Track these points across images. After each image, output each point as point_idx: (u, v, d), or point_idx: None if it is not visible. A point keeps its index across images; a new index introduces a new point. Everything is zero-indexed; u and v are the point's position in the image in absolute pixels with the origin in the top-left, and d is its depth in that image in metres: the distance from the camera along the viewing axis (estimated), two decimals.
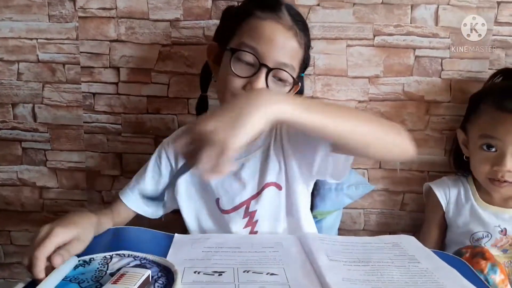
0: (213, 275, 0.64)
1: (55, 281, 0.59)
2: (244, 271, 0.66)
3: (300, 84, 0.86)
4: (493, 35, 1.13)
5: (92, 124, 1.21)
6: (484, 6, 1.12)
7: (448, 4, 1.12)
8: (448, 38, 1.13)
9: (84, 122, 1.20)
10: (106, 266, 0.65)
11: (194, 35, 1.14)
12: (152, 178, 0.94)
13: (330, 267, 0.67)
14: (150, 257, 0.68)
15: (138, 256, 0.68)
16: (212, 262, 0.68)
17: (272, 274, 0.65)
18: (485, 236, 1.00)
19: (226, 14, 0.94)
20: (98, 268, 0.64)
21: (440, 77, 1.16)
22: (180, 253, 0.71)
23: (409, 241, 0.80)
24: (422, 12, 1.12)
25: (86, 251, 0.68)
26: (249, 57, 0.78)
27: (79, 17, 1.14)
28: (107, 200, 1.25)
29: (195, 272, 0.64)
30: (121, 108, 1.19)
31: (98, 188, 1.25)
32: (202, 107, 1.04)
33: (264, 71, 0.78)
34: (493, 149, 0.94)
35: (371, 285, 0.62)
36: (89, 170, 1.24)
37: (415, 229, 1.19)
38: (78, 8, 1.14)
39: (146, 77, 1.17)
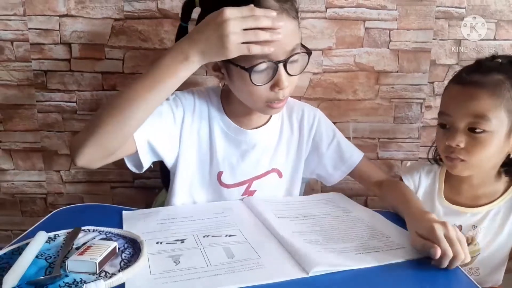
0: (176, 243, 0.67)
1: (30, 256, 0.60)
2: (204, 236, 0.70)
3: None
4: (437, 6, 1.19)
5: (46, 103, 1.18)
6: None
7: None
8: (396, 10, 1.18)
9: (37, 101, 1.17)
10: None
11: (147, 8, 1.13)
12: (165, 123, 0.86)
13: (279, 223, 0.75)
14: (115, 230, 0.70)
15: (103, 231, 0.70)
16: (170, 232, 0.72)
17: (230, 235, 0.71)
18: None
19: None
20: (63, 243, 0.65)
21: (388, 48, 1.21)
22: (135, 227, 0.73)
23: (339, 197, 0.94)
24: None
25: (49, 229, 0.69)
26: (263, 64, 0.76)
27: None
28: (66, 180, 1.24)
29: (157, 243, 0.67)
30: (75, 85, 1.17)
31: (56, 168, 1.24)
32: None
33: (281, 67, 0.77)
34: (446, 126, 0.89)
35: (317, 234, 0.72)
36: (46, 150, 1.22)
37: (368, 193, 1.27)
38: None
39: (100, 53, 1.15)
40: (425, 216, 0.72)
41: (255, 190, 0.94)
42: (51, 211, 0.83)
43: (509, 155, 0.90)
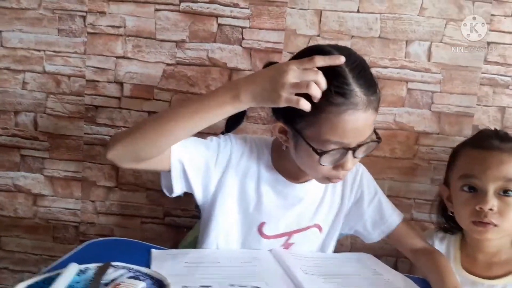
0: None
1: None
2: (229, 285, 0.69)
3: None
4: (482, 72, 1.19)
5: (92, 136, 1.23)
6: (475, 45, 1.17)
7: (441, 42, 1.17)
8: (440, 73, 1.19)
9: (84, 133, 1.23)
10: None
11: (198, 56, 1.19)
12: (206, 157, 0.86)
13: (307, 279, 0.74)
14: (143, 269, 0.70)
15: (133, 268, 0.70)
16: (196, 277, 0.72)
17: (256, 287, 0.69)
18: None
19: None
20: (92, 278, 0.66)
21: (430, 109, 1.21)
22: (163, 267, 0.73)
23: (369, 257, 0.93)
24: (416, 48, 1.18)
25: (80, 260, 0.70)
26: (335, 150, 0.76)
27: (88, 32, 1.18)
28: (100, 210, 1.27)
29: (183, 287, 0.67)
30: (122, 121, 1.23)
31: (92, 199, 1.27)
32: None
33: (350, 153, 0.77)
34: (474, 190, 0.89)
35: None
36: (85, 180, 1.26)
37: (399, 254, 1.22)
38: (88, 24, 1.18)
39: (149, 94, 1.21)
40: None
41: (293, 243, 0.93)
42: (81, 240, 0.85)
43: None
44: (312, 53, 0.75)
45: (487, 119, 1.21)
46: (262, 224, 0.91)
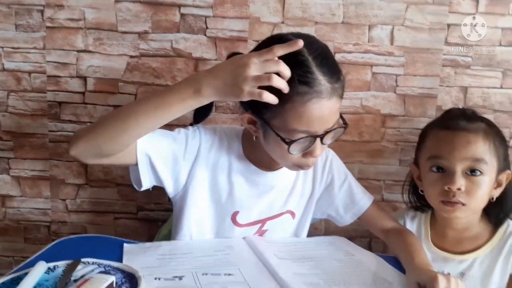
0: (174, 280, 0.67)
1: (28, 287, 0.60)
2: (202, 274, 0.70)
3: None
4: (444, 54, 1.22)
5: (58, 133, 1.21)
6: (435, 28, 1.20)
7: (403, 25, 1.20)
8: (403, 56, 1.21)
9: (49, 131, 1.20)
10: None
11: (162, 47, 1.17)
12: (174, 149, 0.85)
13: (280, 264, 0.75)
14: (114, 264, 0.70)
15: (103, 264, 0.70)
16: (169, 268, 0.72)
17: (229, 274, 0.70)
18: None
19: None
20: (61, 275, 0.65)
21: (395, 92, 1.23)
22: (135, 261, 0.73)
23: (341, 240, 0.95)
24: (379, 32, 1.20)
25: (49, 259, 0.69)
26: (303, 138, 0.77)
27: (47, 27, 1.15)
28: (71, 208, 1.25)
29: (155, 279, 0.67)
30: (87, 117, 1.20)
31: (62, 197, 1.25)
32: None
33: (318, 140, 0.78)
34: (442, 170, 0.91)
35: (318, 277, 0.72)
36: (53, 179, 1.23)
37: (372, 235, 1.25)
38: (46, 18, 1.14)
39: (114, 87, 1.19)
40: (429, 267, 0.71)
41: (267, 230, 0.94)
42: (53, 239, 0.84)
43: (491, 199, 0.92)
44: (274, 43, 0.75)
45: (449, 100, 1.24)
46: (235, 214, 0.91)
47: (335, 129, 0.79)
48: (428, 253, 0.95)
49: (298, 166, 0.83)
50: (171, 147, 0.85)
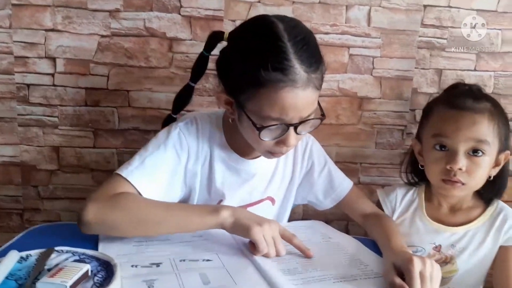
0: (151, 267, 0.66)
1: (0, 277, 0.58)
2: (180, 260, 0.69)
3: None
4: (419, 36, 1.22)
5: (27, 117, 1.16)
6: (412, 9, 1.20)
7: (380, 6, 1.19)
8: (379, 38, 1.21)
9: (18, 115, 1.16)
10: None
11: (134, 26, 1.13)
12: (172, 172, 0.86)
13: None
14: (89, 252, 0.68)
15: (77, 252, 0.68)
16: (146, 255, 0.71)
17: (207, 260, 0.70)
18: (418, 251, 0.97)
19: (200, 59, 0.90)
20: (35, 264, 0.64)
21: (371, 74, 1.23)
22: (111, 248, 0.72)
23: (319, 224, 0.96)
24: (356, 12, 1.19)
25: (22, 248, 0.67)
26: (276, 125, 0.76)
27: (12, 4, 1.09)
28: (43, 195, 1.22)
29: (132, 266, 0.66)
30: (57, 100, 1.16)
31: (34, 183, 1.21)
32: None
33: (292, 129, 0.77)
34: (445, 148, 0.90)
35: (295, 261, 0.72)
36: (24, 165, 1.19)
37: (349, 218, 1.27)
38: None
39: (85, 68, 1.15)
40: (405, 250, 0.73)
41: None
42: (27, 227, 0.82)
43: (489, 178, 0.94)
44: (257, 24, 0.74)
45: (425, 82, 1.25)
46: (219, 202, 0.91)
47: (310, 119, 0.78)
48: (422, 225, 0.98)
49: (270, 153, 0.83)
50: (173, 179, 0.86)
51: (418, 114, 1.26)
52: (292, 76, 0.71)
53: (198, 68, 0.90)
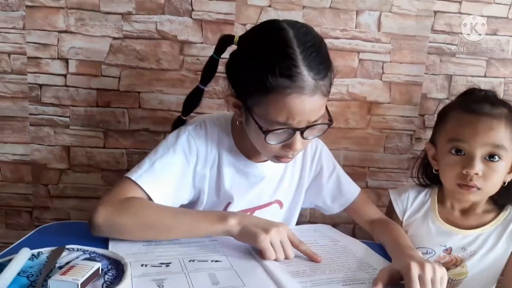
0: (161, 266, 0.67)
1: (12, 273, 0.59)
2: (189, 260, 0.69)
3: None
4: (430, 42, 1.22)
5: (39, 116, 1.18)
6: (422, 15, 1.20)
7: (390, 12, 1.19)
8: (389, 43, 1.21)
9: (30, 114, 1.17)
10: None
11: (146, 29, 1.15)
12: (181, 175, 0.87)
13: None
14: (100, 250, 0.69)
15: (88, 250, 0.69)
16: (156, 255, 0.71)
17: (216, 261, 0.70)
18: (428, 252, 0.97)
19: (210, 61, 0.89)
20: (46, 261, 0.64)
21: (381, 79, 1.23)
22: (121, 247, 0.72)
23: (326, 228, 0.95)
24: (366, 18, 1.19)
25: (33, 245, 0.68)
26: (282, 130, 0.76)
27: (26, 6, 1.11)
28: (53, 194, 1.23)
29: (142, 265, 0.67)
30: (69, 100, 1.17)
31: (44, 182, 1.22)
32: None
33: (298, 134, 0.77)
34: (462, 153, 0.90)
35: (304, 264, 0.72)
36: (35, 163, 1.21)
37: (356, 222, 1.27)
38: None
39: (96, 70, 1.16)
40: (408, 252, 0.72)
41: None
42: (36, 225, 0.82)
43: (503, 183, 0.93)
44: (267, 29, 0.74)
45: (434, 87, 1.25)
46: (227, 205, 0.92)
47: (317, 124, 0.78)
48: (433, 226, 0.98)
49: (277, 158, 0.83)
50: (183, 180, 0.87)
51: (427, 119, 1.26)
52: (300, 83, 0.72)
53: (208, 71, 0.90)
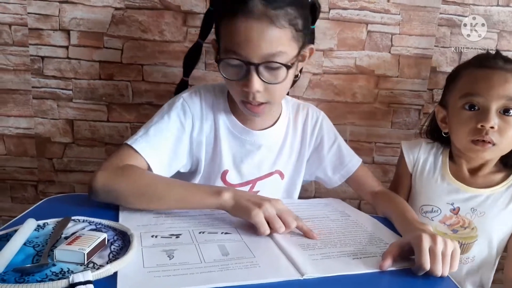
0: (171, 237, 0.66)
1: (19, 243, 0.59)
2: (199, 232, 0.69)
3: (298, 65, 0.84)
4: (440, 13, 1.19)
5: (41, 89, 1.16)
6: None
7: None
8: (399, 14, 1.18)
9: (32, 87, 1.16)
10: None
11: None
12: (176, 140, 0.87)
13: None
14: (105, 222, 0.68)
15: (93, 221, 0.68)
16: (166, 226, 0.71)
17: (226, 233, 0.70)
18: (434, 211, 0.97)
19: (206, 14, 0.93)
20: (52, 232, 0.64)
21: (389, 52, 1.21)
22: (131, 220, 0.72)
23: (337, 202, 0.94)
24: None
25: (39, 217, 0.68)
26: (234, 61, 0.76)
27: None
28: (58, 168, 1.22)
29: (152, 236, 0.66)
30: (71, 73, 1.15)
31: (48, 156, 1.22)
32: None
33: (253, 70, 0.76)
34: (476, 108, 0.88)
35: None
36: (39, 137, 1.20)
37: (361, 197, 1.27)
38: None
39: (98, 42, 1.14)
40: (418, 225, 0.71)
41: (258, 191, 0.94)
42: (41, 199, 0.82)
43: None
44: None
45: (444, 61, 1.22)
46: (225, 173, 0.91)
47: (272, 62, 0.76)
48: (442, 183, 0.97)
49: (244, 103, 0.82)
50: (177, 149, 0.86)
51: (436, 93, 1.24)
52: (247, 5, 0.72)
53: (206, 25, 0.92)
